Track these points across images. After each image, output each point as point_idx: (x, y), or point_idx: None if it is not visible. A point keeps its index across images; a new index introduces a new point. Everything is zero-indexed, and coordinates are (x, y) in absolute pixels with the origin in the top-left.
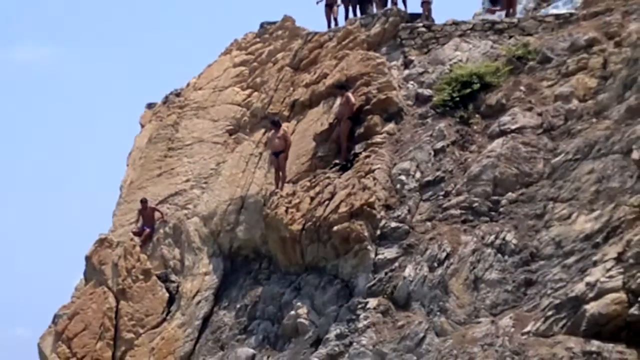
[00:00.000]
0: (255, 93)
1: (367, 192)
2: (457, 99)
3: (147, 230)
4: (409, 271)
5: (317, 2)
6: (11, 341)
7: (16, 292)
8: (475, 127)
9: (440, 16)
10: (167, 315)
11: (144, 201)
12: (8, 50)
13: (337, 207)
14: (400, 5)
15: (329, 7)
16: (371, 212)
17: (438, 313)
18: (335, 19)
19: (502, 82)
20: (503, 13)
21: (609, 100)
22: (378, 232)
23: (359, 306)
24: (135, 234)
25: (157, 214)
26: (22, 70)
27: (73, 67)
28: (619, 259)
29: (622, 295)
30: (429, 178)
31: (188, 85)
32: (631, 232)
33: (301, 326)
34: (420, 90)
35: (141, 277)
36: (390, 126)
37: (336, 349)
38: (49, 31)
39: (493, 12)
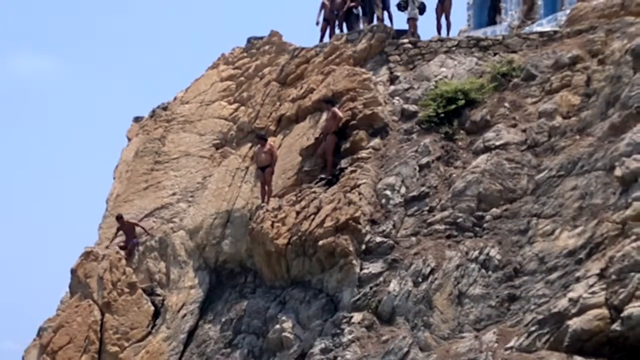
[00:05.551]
0: (242, 107)
1: (352, 207)
2: (442, 115)
3: (131, 243)
4: (393, 286)
5: (317, 23)
6: None
7: (3, 304)
8: (460, 143)
9: (425, 33)
10: (152, 328)
11: (119, 217)
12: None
13: (323, 221)
14: (386, 22)
15: (326, 22)
16: (356, 226)
17: (422, 328)
18: (331, 35)
19: (487, 99)
20: None
21: (592, 118)
22: (363, 246)
23: (344, 320)
24: (121, 247)
25: (138, 229)
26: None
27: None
28: (601, 275)
29: (604, 311)
30: (414, 193)
31: (175, 99)
32: (613, 248)
33: (286, 340)
34: (405, 106)
35: (126, 290)
36: (376, 141)
37: None
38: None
39: None
